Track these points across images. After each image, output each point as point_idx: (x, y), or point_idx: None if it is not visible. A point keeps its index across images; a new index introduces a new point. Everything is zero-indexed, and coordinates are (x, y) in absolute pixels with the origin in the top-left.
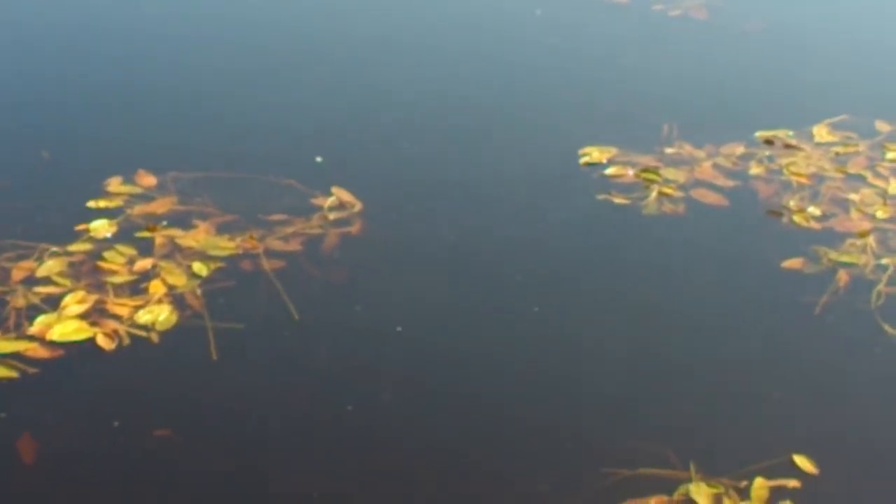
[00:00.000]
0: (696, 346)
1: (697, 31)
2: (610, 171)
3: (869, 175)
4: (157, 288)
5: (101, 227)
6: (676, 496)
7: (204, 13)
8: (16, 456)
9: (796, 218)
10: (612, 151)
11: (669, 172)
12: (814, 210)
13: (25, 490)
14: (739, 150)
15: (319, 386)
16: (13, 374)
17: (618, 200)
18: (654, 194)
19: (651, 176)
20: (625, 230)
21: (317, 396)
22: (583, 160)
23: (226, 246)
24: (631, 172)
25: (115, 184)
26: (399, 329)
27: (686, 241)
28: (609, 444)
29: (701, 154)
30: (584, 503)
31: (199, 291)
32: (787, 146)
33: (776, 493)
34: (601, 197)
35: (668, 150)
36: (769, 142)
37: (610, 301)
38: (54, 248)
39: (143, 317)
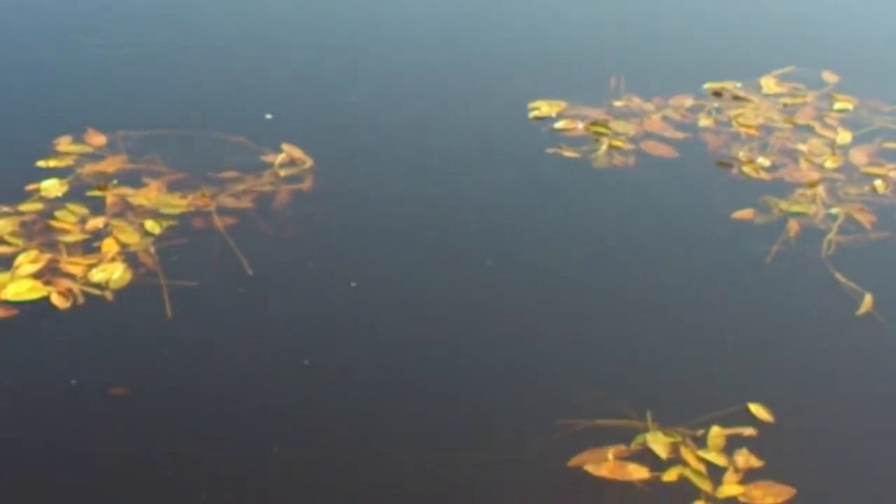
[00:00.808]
0: (648, 296)
1: None
2: (559, 124)
3: (817, 125)
4: (109, 246)
5: (52, 187)
6: (634, 446)
7: None
8: None
9: (746, 169)
10: (561, 105)
11: (619, 125)
12: (763, 161)
13: None
14: (688, 102)
15: (275, 342)
16: None
17: (568, 154)
18: (604, 147)
19: (601, 129)
20: (576, 183)
21: (272, 352)
22: (532, 114)
23: (177, 204)
24: (580, 126)
25: (64, 143)
26: (353, 284)
27: (637, 193)
28: (565, 395)
29: (650, 107)
30: (542, 453)
31: (152, 249)
32: (736, 98)
33: (733, 441)
34: (551, 150)
35: (617, 103)
36: (717, 93)
37: (562, 253)
38: (5, 208)
39: (97, 275)
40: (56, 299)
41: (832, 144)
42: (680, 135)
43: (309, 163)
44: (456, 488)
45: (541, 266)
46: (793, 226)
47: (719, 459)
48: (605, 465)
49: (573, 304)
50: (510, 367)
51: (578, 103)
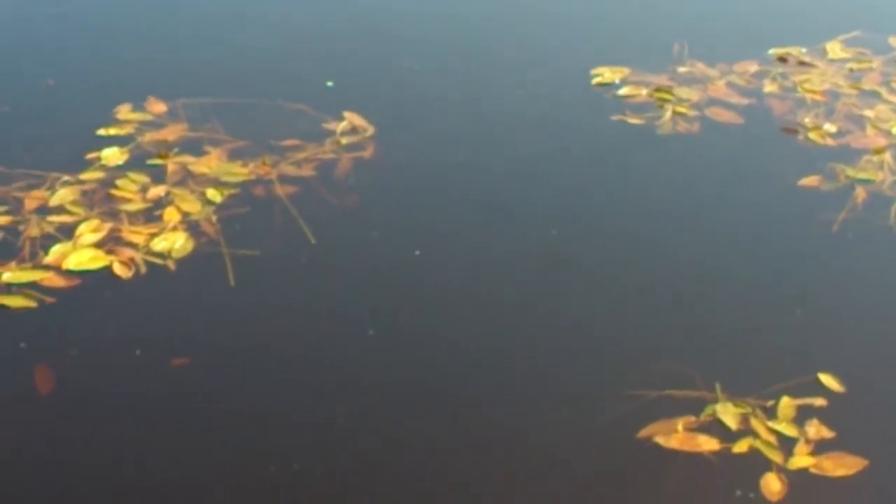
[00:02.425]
0: (716, 266)
1: None
2: (623, 91)
3: (884, 91)
4: (171, 215)
5: (113, 155)
6: (703, 417)
7: None
8: (33, 387)
9: (812, 135)
10: (625, 71)
11: (683, 91)
12: (829, 127)
13: (42, 421)
14: (753, 67)
15: (340, 311)
16: (31, 303)
17: (632, 121)
18: (668, 114)
19: (664, 95)
20: (640, 150)
21: (337, 321)
22: (595, 80)
23: (239, 172)
24: (644, 92)
25: (124, 111)
26: (417, 253)
27: (702, 160)
28: (633, 366)
29: (714, 73)
30: (611, 425)
31: (213, 218)
32: (801, 63)
33: (803, 412)
34: (615, 117)
35: (681, 69)
36: (782, 59)
37: (628, 222)
38: (66, 177)
39: (159, 244)
40: (118, 269)
41: None
42: (745, 101)
43: (371, 130)
44: (525, 459)
45: (607, 235)
46: (860, 193)
47: (790, 430)
48: (675, 436)
49: (640, 275)
50: (577, 338)
51: (642, 70)
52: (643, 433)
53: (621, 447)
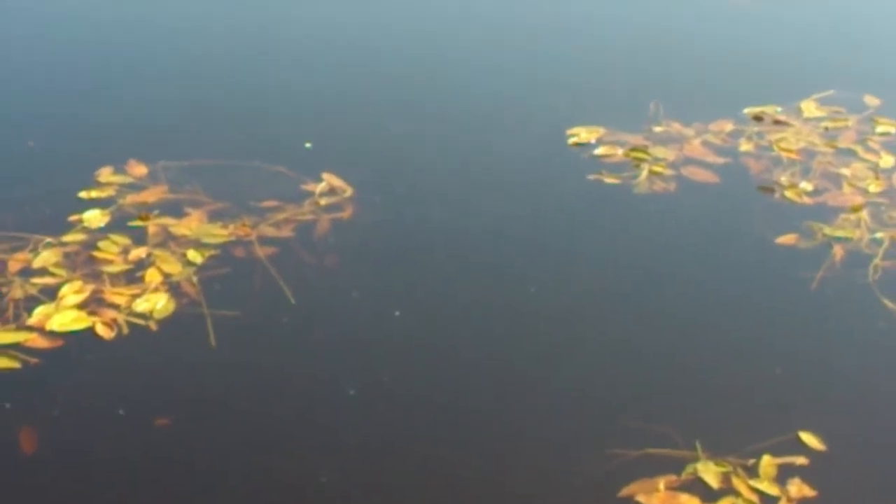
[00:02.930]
0: (693, 324)
1: (682, 5)
2: (599, 150)
3: (859, 149)
4: (153, 276)
5: (95, 218)
6: (685, 475)
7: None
8: (18, 447)
9: (788, 193)
10: (600, 131)
11: (659, 151)
12: (806, 185)
13: (27, 482)
14: (728, 126)
15: (320, 371)
16: (15, 364)
17: (608, 180)
18: (644, 173)
19: (640, 155)
20: (617, 209)
21: (318, 381)
22: (571, 140)
23: (219, 233)
24: (620, 152)
25: (105, 173)
26: (397, 313)
27: (679, 219)
28: (613, 424)
29: (689, 132)
30: (592, 484)
31: (194, 279)
32: (776, 122)
33: (784, 471)
34: (592, 177)
35: (657, 129)
36: (758, 118)
37: (606, 280)
38: (49, 239)
39: (141, 305)
40: (101, 329)
41: (875, 168)
42: (721, 160)
43: (349, 191)
44: None
45: (584, 292)
46: (838, 251)
47: (772, 489)
48: (657, 495)
49: (617, 332)
50: (556, 398)
51: (617, 129)
52: (625, 492)
53: None
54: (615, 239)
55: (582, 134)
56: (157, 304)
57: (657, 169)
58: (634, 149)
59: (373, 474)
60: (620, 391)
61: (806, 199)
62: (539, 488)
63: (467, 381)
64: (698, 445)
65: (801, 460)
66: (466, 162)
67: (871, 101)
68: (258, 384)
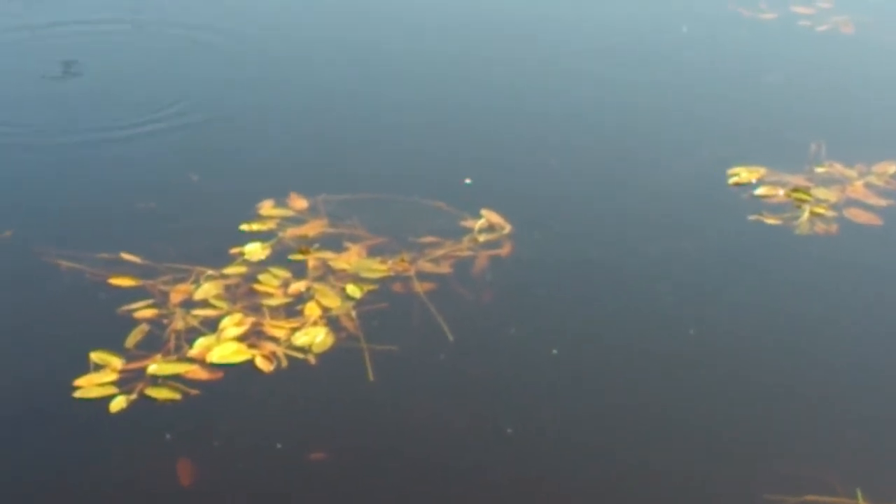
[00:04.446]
0: (857, 368)
1: (845, 46)
2: (760, 191)
3: None
4: (312, 310)
5: (255, 251)
6: None
7: (348, 38)
8: (175, 478)
9: None
10: (761, 171)
11: (821, 192)
12: None
13: None
14: (892, 168)
15: (477, 408)
16: (176, 395)
17: (769, 221)
18: (806, 214)
19: (802, 195)
20: (778, 251)
21: (475, 419)
22: (732, 180)
23: (378, 268)
24: (781, 192)
25: (267, 207)
26: (554, 352)
27: (841, 262)
28: (770, 469)
29: (852, 173)
30: None
31: (353, 313)
32: None
33: None
34: (752, 217)
35: (819, 170)
36: None
37: (767, 322)
38: (210, 271)
39: (300, 339)
40: (260, 362)
41: None
42: (884, 202)
43: (507, 228)
44: None
45: (744, 335)
46: None
47: None
48: None
49: (777, 377)
50: (713, 441)
51: (779, 169)
52: None
53: None
54: (776, 281)
55: (743, 174)
56: (315, 337)
57: (819, 210)
58: (796, 189)
59: None
60: (777, 436)
61: None
62: None
63: (622, 425)
64: (859, 493)
65: None
66: (626, 200)
67: None
68: (414, 421)
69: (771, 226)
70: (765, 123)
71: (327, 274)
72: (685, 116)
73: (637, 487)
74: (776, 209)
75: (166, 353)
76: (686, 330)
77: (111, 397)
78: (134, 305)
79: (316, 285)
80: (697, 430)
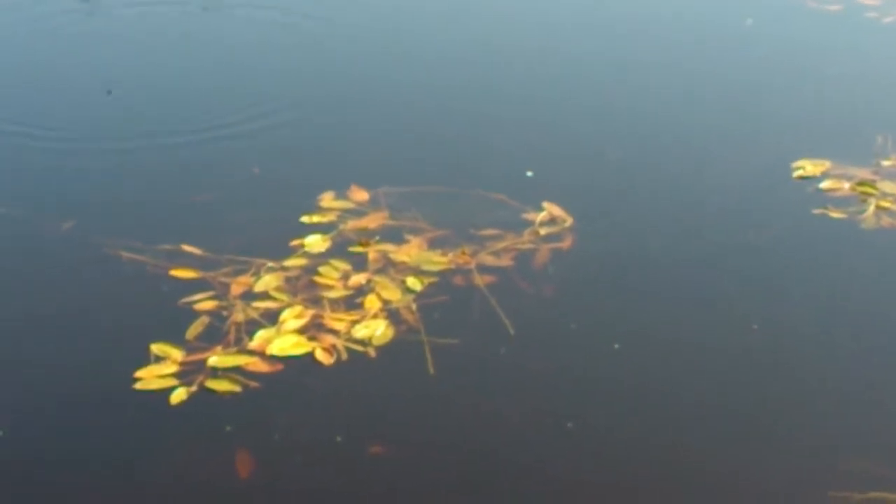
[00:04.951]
0: None
1: None
2: (825, 184)
3: None
4: (372, 303)
5: (316, 243)
6: None
7: (411, 28)
8: (234, 470)
9: None
10: (826, 164)
11: (887, 185)
12: None
13: None
14: None
15: (537, 403)
16: (236, 387)
17: (834, 214)
18: (871, 208)
19: (868, 189)
20: (843, 244)
21: (536, 414)
22: (796, 173)
23: (438, 261)
24: (846, 186)
25: (327, 199)
26: (616, 346)
27: None
28: (836, 465)
29: None
30: None
31: (413, 306)
32: None
33: None
34: (817, 211)
35: (885, 163)
36: None
37: (832, 317)
38: (270, 263)
39: (360, 331)
40: (320, 355)
41: None
42: None
43: (569, 221)
44: None
45: (809, 330)
46: None
47: None
48: None
49: (844, 370)
50: (777, 435)
51: (844, 163)
52: None
53: None
54: (841, 275)
55: (807, 167)
56: (376, 330)
57: (885, 204)
58: (861, 183)
59: None
60: (844, 431)
61: None
62: None
63: (684, 421)
64: None
65: None
66: (688, 193)
67: None
68: (475, 415)
69: (836, 220)
70: (830, 116)
71: (388, 266)
72: (749, 109)
73: (699, 483)
74: (841, 203)
75: (226, 346)
76: (750, 324)
77: (171, 389)
78: (194, 297)
79: (376, 278)
80: (762, 426)
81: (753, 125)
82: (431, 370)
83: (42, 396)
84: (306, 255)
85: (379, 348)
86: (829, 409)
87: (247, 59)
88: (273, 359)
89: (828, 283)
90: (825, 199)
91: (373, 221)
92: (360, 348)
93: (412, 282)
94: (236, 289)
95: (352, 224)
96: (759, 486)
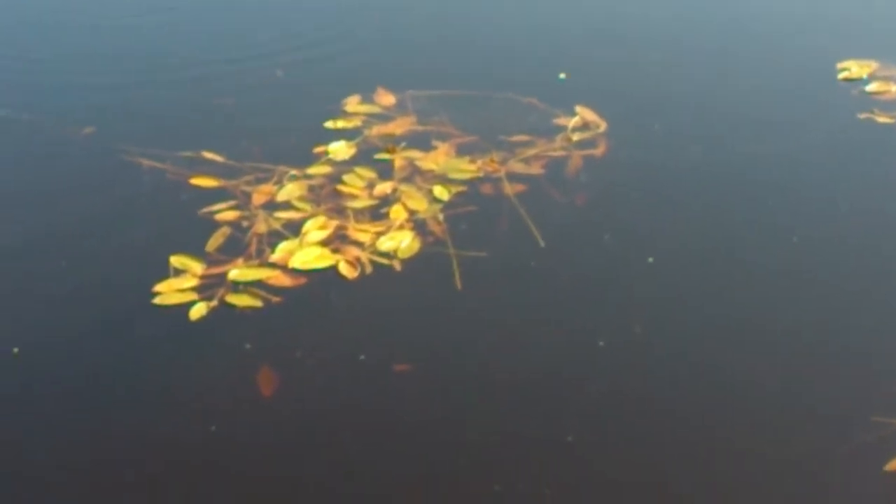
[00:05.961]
0: None
1: None
2: (871, 87)
3: None
4: (398, 213)
5: (340, 150)
6: None
7: None
8: (256, 388)
9: None
10: (873, 66)
11: None
12: None
13: (263, 424)
14: None
15: (568, 319)
16: (257, 303)
17: (881, 119)
18: None
19: None
20: (890, 150)
21: (567, 330)
22: (841, 75)
23: (466, 169)
24: (894, 88)
25: (353, 103)
26: (650, 260)
27: None
28: (878, 390)
29: None
30: (855, 452)
31: (440, 217)
32: None
33: None
34: (863, 115)
35: None
36: None
37: (877, 228)
38: (293, 171)
39: (385, 244)
40: (344, 268)
41: None
42: None
43: (603, 126)
44: (758, 488)
45: (852, 241)
46: None
47: None
48: None
49: (892, 289)
50: (821, 363)
51: (892, 63)
52: (891, 466)
53: (865, 481)
54: (887, 183)
55: (853, 68)
56: (401, 242)
57: None
58: None
59: (620, 430)
60: (888, 354)
61: None
62: (796, 458)
63: (721, 338)
64: None
65: None
66: (728, 98)
67: None
68: (503, 331)
69: (882, 124)
70: (877, 14)
71: (414, 174)
72: (792, 7)
73: (737, 402)
74: (888, 107)
75: (248, 258)
76: (790, 237)
77: (191, 304)
78: (215, 207)
79: (402, 187)
80: (802, 344)
81: (797, 25)
82: (459, 284)
83: (58, 311)
84: (330, 162)
85: (405, 261)
86: (873, 329)
87: None
88: (295, 272)
89: (873, 192)
90: (871, 102)
91: (399, 127)
92: (385, 261)
93: (439, 191)
94: (258, 198)
95: (377, 130)
96: (800, 407)
